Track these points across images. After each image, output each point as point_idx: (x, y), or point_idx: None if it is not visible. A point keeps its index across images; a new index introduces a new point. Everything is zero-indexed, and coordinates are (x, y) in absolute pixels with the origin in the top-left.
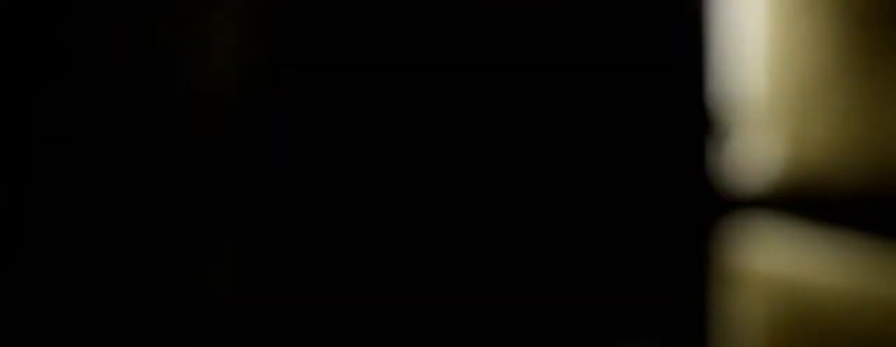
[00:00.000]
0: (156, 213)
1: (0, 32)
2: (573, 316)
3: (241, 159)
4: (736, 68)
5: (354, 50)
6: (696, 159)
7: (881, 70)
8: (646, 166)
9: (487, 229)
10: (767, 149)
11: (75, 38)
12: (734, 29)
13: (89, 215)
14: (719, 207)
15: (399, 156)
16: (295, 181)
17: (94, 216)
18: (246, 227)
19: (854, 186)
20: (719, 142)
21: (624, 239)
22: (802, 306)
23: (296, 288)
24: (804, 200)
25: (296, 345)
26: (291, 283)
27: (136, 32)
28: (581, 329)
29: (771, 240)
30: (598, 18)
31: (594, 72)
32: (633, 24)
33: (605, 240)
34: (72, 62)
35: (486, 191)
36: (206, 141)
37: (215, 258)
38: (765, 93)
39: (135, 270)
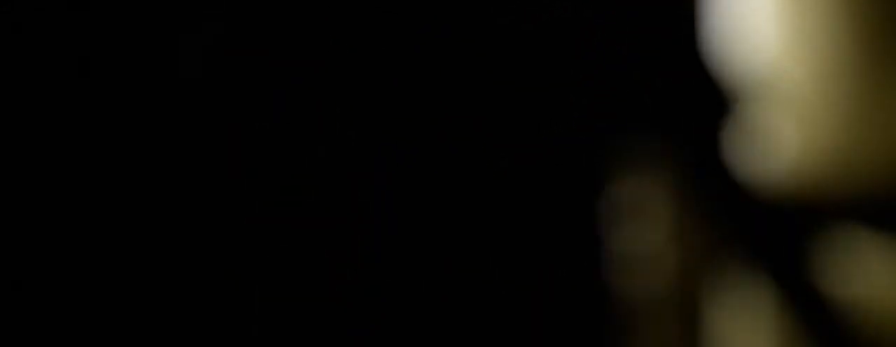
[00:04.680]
0: None
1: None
2: None
3: None
4: (741, 60)
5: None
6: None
7: (894, 66)
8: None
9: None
10: (774, 146)
11: None
12: (740, 23)
13: None
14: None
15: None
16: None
17: None
18: None
19: (864, 185)
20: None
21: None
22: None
23: None
24: (815, 200)
25: None
26: None
27: None
28: None
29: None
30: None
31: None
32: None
33: None
34: None
35: None
36: None
37: None
38: (772, 87)
39: None
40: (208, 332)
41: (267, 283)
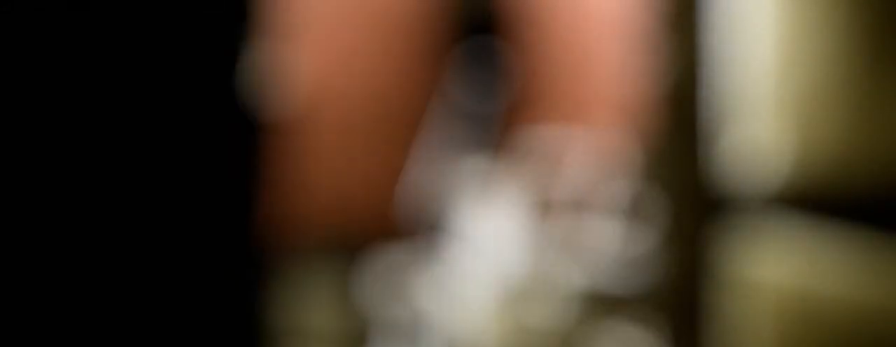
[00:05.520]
0: None
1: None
2: None
3: None
4: (741, 59)
5: None
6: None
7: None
8: None
9: None
10: (774, 144)
11: None
12: (740, 17)
13: None
14: (720, 208)
15: None
16: None
17: None
18: None
19: (870, 185)
20: (718, 136)
21: None
22: (815, 316)
23: None
24: (816, 200)
25: None
26: None
27: None
28: None
29: (778, 244)
30: None
31: None
32: None
33: None
34: None
35: None
36: None
37: None
38: (772, 87)
39: None
40: None
41: None
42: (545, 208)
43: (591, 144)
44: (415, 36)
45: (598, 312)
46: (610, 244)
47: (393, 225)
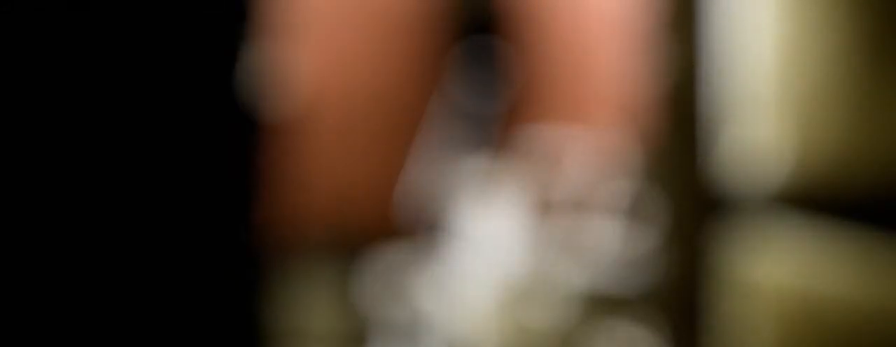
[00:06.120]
0: None
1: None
2: None
3: None
4: (741, 59)
5: None
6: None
7: None
8: None
9: None
10: (774, 144)
11: None
12: (740, 17)
13: None
14: (720, 208)
15: None
16: None
17: None
18: None
19: (870, 185)
20: (718, 136)
21: None
22: (815, 316)
23: None
24: (816, 200)
25: None
26: None
27: None
28: None
29: (779, 245)
30: None
31: None
32: None
33: None
34: None
35: None
36: None
37: None
38: (772, 87)
39: None
40: None
41: None
42: (545, 208)
43: (591, 144)
44: (415, 36)
45: (598, 312)
46: (610, 244)
47: (393, 225)
